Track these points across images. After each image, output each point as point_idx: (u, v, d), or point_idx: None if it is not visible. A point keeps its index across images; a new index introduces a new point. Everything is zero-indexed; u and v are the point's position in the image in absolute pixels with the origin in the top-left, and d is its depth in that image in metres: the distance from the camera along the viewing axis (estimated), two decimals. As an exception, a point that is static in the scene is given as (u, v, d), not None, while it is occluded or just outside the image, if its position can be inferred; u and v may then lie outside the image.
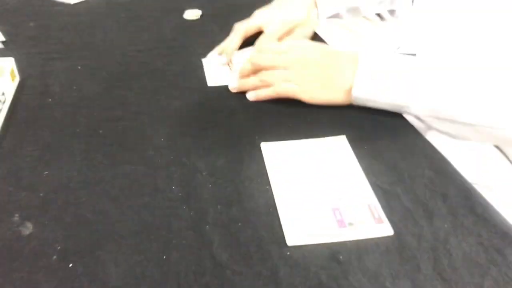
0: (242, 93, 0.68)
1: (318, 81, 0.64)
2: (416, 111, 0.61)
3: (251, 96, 0.67)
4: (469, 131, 0.60)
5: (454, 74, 0.60)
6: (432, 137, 0.62)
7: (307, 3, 0.83)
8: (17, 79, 0.71)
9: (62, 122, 0.63)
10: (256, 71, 0.68)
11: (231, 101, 0.67)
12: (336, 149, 0.57)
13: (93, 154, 0.57)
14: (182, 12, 0.92)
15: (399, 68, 0.61)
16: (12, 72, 0.69)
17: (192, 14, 0.92)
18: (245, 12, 0.84)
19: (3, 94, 0.64)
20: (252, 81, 0.68)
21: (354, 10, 0.91)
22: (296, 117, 0.63)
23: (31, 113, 0.65)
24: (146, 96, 0.68)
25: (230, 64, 0.76)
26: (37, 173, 0.54)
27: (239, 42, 0.77)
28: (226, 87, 0.70)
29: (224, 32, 0.82)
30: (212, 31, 0.87)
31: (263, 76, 0.67)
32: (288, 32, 0.80)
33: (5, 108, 0.65)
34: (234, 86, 0.69)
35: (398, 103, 0.61)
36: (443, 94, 0.59)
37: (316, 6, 0.84)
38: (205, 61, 0.76)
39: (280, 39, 0.78)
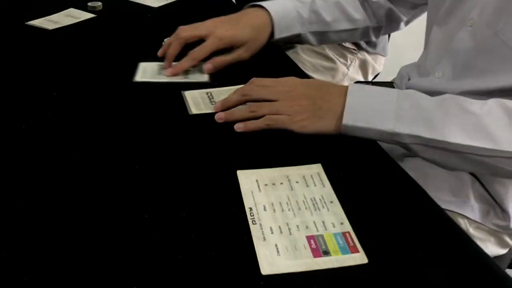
0: (225, 132, 0.67)
1: (307, 112, 0.65)
2: (405, 138, 0.61)
3: (239, 127, 0.66)
4: (458, 159, 0.61)
5: (443, 101, 0.62)
6: (406, 165, 0.63)
7: (260, 21, 0.85)
8: (-9, 105, 0.71)
9: (36, 150, 0.62)
10: (242, 102, 0.69)
11: (208, 128, 0.67)
12: (311, 177, 0.57)
13: (68, 183, 0.56)
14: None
15: (388, 98, 0.63)
16: (-15, 98, 0.68)
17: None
18: None
19: (-25, 120, 0.63)
20: (241, 112, 0.68)
21: (320, 35, 0.93)
22: (272, 145, 0.63)
23: (4, 140, 0.64)
24: (123, 123, 0.68)
25: (162, 71, 0.81)
26: (6, 203, 0.53)
27: (178, 49, 0.80)
28: (205, 115, 0.70)
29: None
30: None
31: (253, 107, 0.67)
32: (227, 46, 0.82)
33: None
34: (221, 116, 0.68)
35: (387, 130, 0.61)
36: (432, 121, 0.60)
37: (272, 24, 0.85)
38: (187, 92, 0.75)
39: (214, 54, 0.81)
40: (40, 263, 0.45)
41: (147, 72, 0.81)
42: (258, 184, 0.56)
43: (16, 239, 0.48)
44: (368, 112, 0.62)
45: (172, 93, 0.75)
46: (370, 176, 0.58)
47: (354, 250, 0.47)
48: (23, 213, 0.51)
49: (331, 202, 0.53)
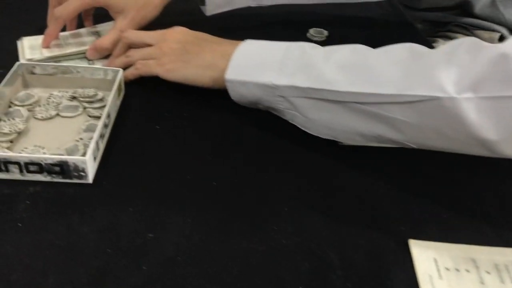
0: (387, 176, 0.55)
1: (174, 55, 0.61)
2: (285, 91, 0.53)
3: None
4: (346, 113, 0.51)
5: (339, 48, 0.54)
6: None
7: None
8: (123, 93, 0.63)
9: (170, 162, 0.54)
10: (125, 49, 0.66)
11: (377, 183, 0.54)
12: (506, 268, 0.45)
13: (206, 216, 0.47)
14: (306, 31, 0.81)
15: (277, 48, 0.56)
16: (120, 86, 0.61)
17: (317, 33, 0.80)
18: (371, 34, 0.74)
19: (108, 116, 0.56)
20: (120, 60, 0.65)
21: None
22: (456, 209, 0.51)
23: (135, 141, 0.56)
24: (267, 137, 0.58)
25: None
26: (140, 235, 0.45)
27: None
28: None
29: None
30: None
31: (129, 52, 0.65)
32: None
33: (108, 131, 0.56)
34: (104, 64, 0.66)
35: (266, 83, 0.54)
36: (313, 68, 0.52)
37: None
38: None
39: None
40: None
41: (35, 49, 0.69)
42: (437, 266, 0.44)
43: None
44: (252, 64, 0.56)
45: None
46: None
47: None
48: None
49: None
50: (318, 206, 0.50)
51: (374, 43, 0.79)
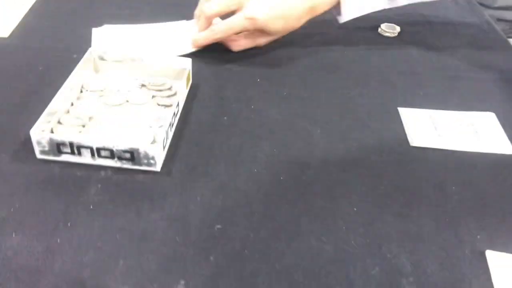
0: (464, 181, 0.54)
1: None
2: None
3: None
4: None
5: None
6: None
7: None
8: (190, 83, 0.63)
9: (237, 155, 0.53)
10: None
11: (453, 187, 0.53)
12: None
13: (274, 212, 0.47)
14: (378, 25, 0.79)
15: None
16: (188, 76, 0.61)
17: (388, 29, 0.77)
18: (445, 31, 0.74)
19: (177, 105, 0.56)
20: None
21: None
22: None
23: (202, 132, 0.56)
24: (335, 135, 0.57)
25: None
26: (208, 226, 0.45)
27: (207, 27, 0.69)
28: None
29: (422, 54, 0.73)
30: (410, 54, 0.73)
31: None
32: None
33: (176, 120, 0.56)
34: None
35: None
36: None
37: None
38: None
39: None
40: None
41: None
42: (517, 279, 0.42)
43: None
44: None
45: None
46: None
47: None
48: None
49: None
50: (390, 208, 0.48)
51: (448, 42, 0.77)
